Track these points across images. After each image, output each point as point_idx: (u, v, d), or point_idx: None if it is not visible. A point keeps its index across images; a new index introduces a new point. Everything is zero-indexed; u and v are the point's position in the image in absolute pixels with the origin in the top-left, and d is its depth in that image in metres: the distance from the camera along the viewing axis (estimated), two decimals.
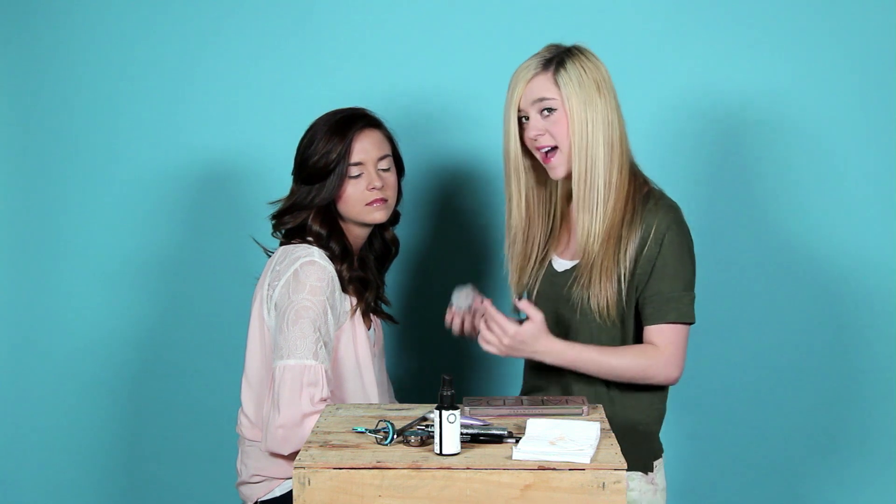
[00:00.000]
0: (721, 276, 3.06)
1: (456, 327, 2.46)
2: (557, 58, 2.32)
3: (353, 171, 2.44)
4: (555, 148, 2.32)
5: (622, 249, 2.29)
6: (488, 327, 2.26)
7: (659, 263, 2.29)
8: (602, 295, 2.29)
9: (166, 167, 3.21)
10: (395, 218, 2.58)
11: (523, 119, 2.35)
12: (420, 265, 3.19)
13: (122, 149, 3.21)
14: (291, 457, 2.30)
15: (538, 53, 2.35)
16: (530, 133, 2.33)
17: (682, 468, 3.03)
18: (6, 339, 3.28)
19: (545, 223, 2.45)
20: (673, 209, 2.32)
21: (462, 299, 2.41)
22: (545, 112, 2.31)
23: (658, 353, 2.29)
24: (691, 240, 2.35)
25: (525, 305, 2.26)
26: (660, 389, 2.37)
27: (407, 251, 3.10)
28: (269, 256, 2.53)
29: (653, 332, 2.30)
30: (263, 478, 2.44)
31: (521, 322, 2.26)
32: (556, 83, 2.29)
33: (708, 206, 3.07)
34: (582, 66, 2.30)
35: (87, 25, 3.20)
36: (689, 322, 2.31)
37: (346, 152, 2.43)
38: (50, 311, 3.27)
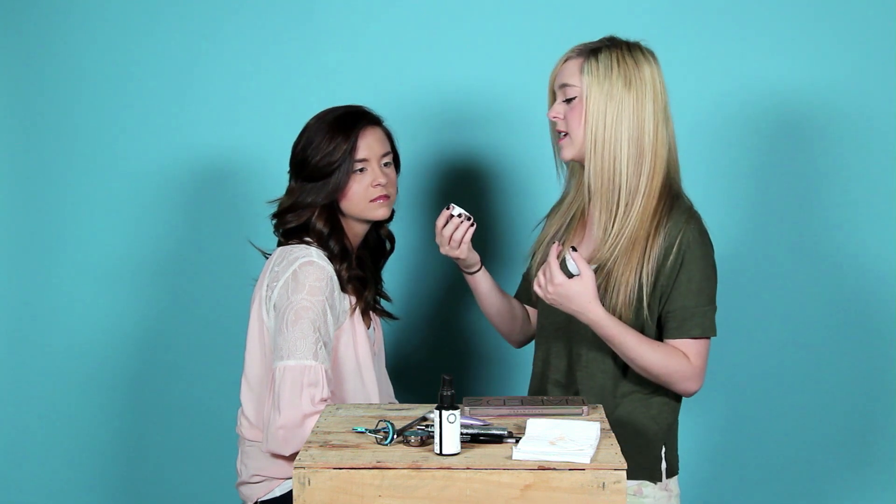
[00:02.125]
0: (729, 278, 3.06)
1: (448, 229, 2.39)
2: (598, 48, 2.27)
3: (358, 167, 2.44)
4: (567, 134, 2.30)
5: (645, 260, 2.24)
6: (542, 271, 2.23)
7: (683, 277, 2.24)
8: (617, 304, 2.25)
9: (166, 166, 3.21)
10: (391, 214, 2.59)
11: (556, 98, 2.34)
12: (419, 264, 3.19)
13: (122, 148, 3.21)
14: (291, 457, 2.30)
15: (594, 41, 2.31)
16: (549, 114, 2.32)
17: (690, 470, 3.03)
18: (5, 338, 3.28)
19: (565, 212, 2.43)
20: (696, 221, 2.27)
21: (458, 208, 2.41)
22: (566, 99, 2.28)
23: (688, 363, 2.25)
24: (713, 251, 2.30)
25: (577, 257, 2.20)
26: (669, 398, 2.33)
27: (406, 250, 3.10)
28: (267, 258, 2.53)
29: (676, 346, 2.26)
30: (263, 478, 2.44)
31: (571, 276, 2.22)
32: (581, 71, 2.26)
33: (717, 206, 3.07)
34: (616, 59, 2.24)
35: (85, 25, 3.20)
36: (712, 336, 2.28)
37: (352, 150, 2.43)
38: (49, 311, 3.27)
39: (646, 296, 2.25)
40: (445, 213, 2.41)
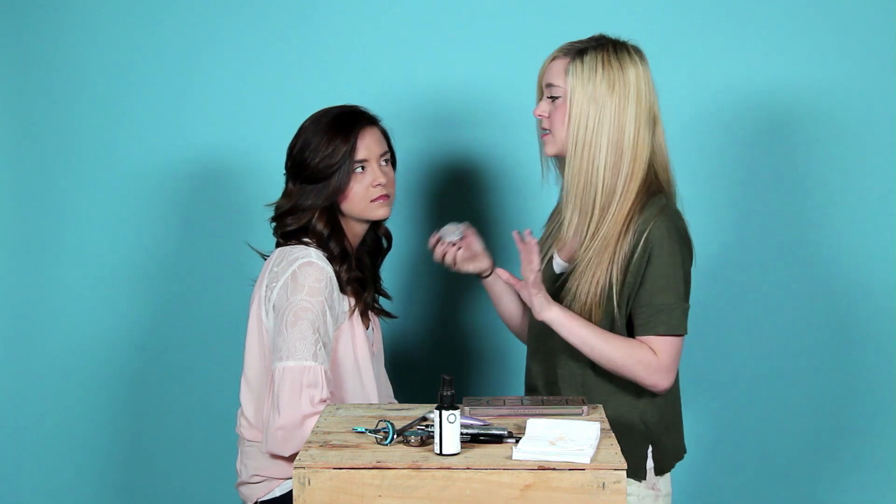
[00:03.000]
0: (727, 276, 3.06)
1: (437, 254, 2.49)
2: (585, 48, 2.27)
3: (358, 168, 2.44)
4: (550, 131, 2.31)
5: (615, 259, 2.25)
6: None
7: (649, 274, 2.23)
8: (587, 303, 2.26)
9: (165, 167, 3.21)
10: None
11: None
12: (418, 264, 3.19)
13: (121, 148, 3.22)
14: (291, 457, 2.30)
15: (583, 39, 2.31)
16: (535, 111, 2.33)
17: (686, 465, 3.03)
18: (5, 339, 3.28)
19: (557, 213, 2.44)
20: (667, 217, 2.26)
21: (450, 233, 2.47)
22: (551, 97, 2.29)
23: (653, 356, 2.24)
24: (688, 249, 2.29)
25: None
26: (660, 398, 2.33)
27: (405, 250, 3.11)
28: (266, 259, 2.53)
29: (644, 342, 2.25)
30: (263, 478, 2.44)
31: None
32: (566, 72, 2.27)
33: (717, 205, 3.08)
34: (601, 61, 2.24)
35: (85, 25, 3.20)
36: (680, 334, 2.25)
37: (352, 150, 2.43)
38: (48, 311, 3.27)
39: (615, 294, 2.25)
40: (433, 238, 2.49)
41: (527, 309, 2.49)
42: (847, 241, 3.08)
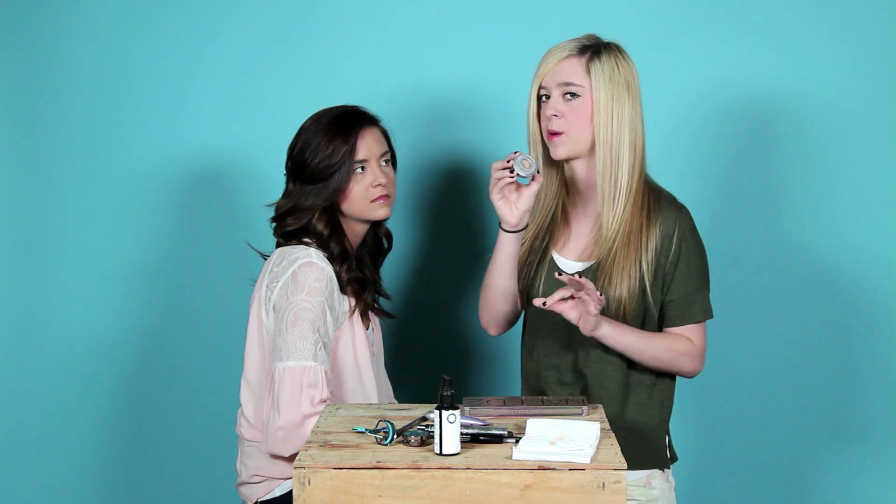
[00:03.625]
0: (725, 275, 3.06)
1: (496, 168, 2.26)
2: (595, 47, 2.31)
3: (358, 168, 2.44)
4: (563, 133, 2.29)
5: (642, 250, 2.29)
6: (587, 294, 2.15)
7: (682, 266, 2.31)
8: (622, 296, 2.29)
9: (165, 167, 3.21)
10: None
11: (543, 97, 2.33)
12: (418, 265, 3.19)
13: (121, 149, 3.21)
14: (291, 457, 2.30)
15: (576, 38, 2.33)
16: (547, 111, 2.31)
17: (685, 466, 3.03)
18: (5, 339, 3.28)
19: (544, 210, 2.42)
20: (686, 210, 2.35)
21: (523, 167, 2.22)
22: (568, 96, 2.29)
23: (692, 345, 2.33)
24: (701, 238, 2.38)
25: (538, 301, 2.19)
26: (669, 385, 2.38)
27: (406, 250, 3.11)
28: (266, 259, 2.53)
29: (679, 332, 2.33)
30: (263, 478, 2.44)
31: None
32: (588, 71, 2.28)
33: (712, 203, 3.08)
34: (616, 62, 2.29)
35: (85, 25, 3.20)
36: (711, 318, 2.36)
37: (352, 151, 2.43)
38: (48, 312, 3.26)
39: (648, 285, 2.30)
40: (510, 156, 2.25)
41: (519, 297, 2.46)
42: (846, 240, 3.08)
